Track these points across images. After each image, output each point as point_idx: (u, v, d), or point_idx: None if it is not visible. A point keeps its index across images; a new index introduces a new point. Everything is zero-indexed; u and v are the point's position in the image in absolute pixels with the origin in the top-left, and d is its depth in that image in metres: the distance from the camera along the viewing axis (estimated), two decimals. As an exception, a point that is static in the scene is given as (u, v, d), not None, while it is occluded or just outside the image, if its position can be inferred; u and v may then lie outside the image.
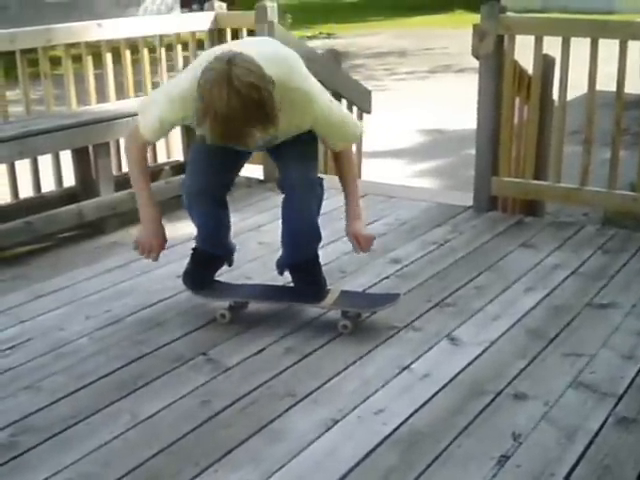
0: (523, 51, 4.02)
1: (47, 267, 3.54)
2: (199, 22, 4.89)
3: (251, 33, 4.68)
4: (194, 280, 3.02)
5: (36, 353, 2.73)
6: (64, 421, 2.31)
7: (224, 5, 4.98)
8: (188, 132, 4.58)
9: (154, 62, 4.61)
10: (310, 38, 16.92)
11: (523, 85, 4.20)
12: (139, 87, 4.57)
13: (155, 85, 4.63)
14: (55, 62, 4.26)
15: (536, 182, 4.14)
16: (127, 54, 4.45)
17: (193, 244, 3.02)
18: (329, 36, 18.69)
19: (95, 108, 4.28)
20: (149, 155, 4.61)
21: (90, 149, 3.99)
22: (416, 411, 2.33)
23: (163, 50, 4.65)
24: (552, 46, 3.86)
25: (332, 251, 3.54)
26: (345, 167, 2.84)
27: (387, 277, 3.32)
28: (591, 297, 3.11)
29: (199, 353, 2.70)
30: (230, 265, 3.08)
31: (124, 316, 3.01)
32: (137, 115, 2.81)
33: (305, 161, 2.79)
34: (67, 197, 4.05)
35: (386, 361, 2.64)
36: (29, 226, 3.71)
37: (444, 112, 9.21)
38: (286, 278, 3.01)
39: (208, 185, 2.82)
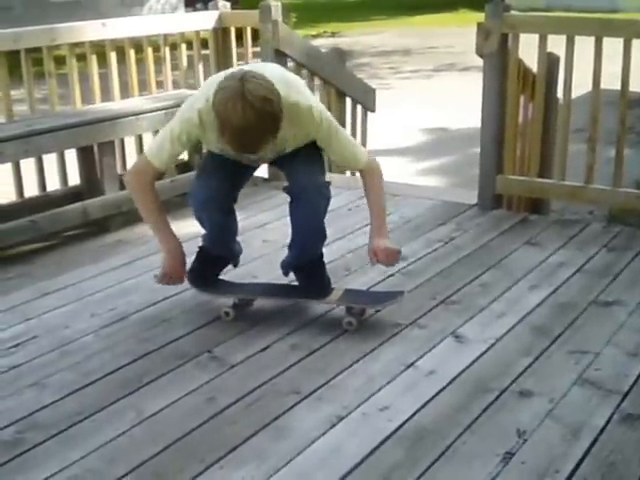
0: (527, 50, 4.01)
1: (52, 265, 3.55)
2: (203, 21, 4.90)
3: (255, 32, 4.69)
4: (199, 278, 3.03)
5: (41, 351, 2.74)
6: (69, 418, 2.31)
7: (228, 4, 4.98)
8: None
9: (158, 61, 4.61)
10: (314, 37, 16.92)
11: (527, 83, 4.19)
12: (143, 86, 4.58)
13: (159, 84, 4.65)
14: (59, 61, 4.27)
15: (541, 180, 4.14)
16: (131, 53, 4.45)
17: (198, 243, 3.02)
18: (333, 35, 18.67)
19: (99, 107, 4.28)
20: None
21: (95, 148, 4.00)
22: (421, 408, 2.34)
23: (167, 49, 4.65)
24: (556, 45, 3.86)
25: (337, 249, 3.55)
26: (368, 187, 2.86)
27: (392, 275, 3.32)
28: (596, 295, 3.11)
29: (204, 350, 2.71)
30: (235, 266, 3.11)
31: (129, 314, 3.01)
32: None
33: (312, 166, 2.82)
34: (72, 196, 4.05)
35: (391, 358, 2.64)
36: (34, 225, 3.71)
37: (449, 110, 9.20)
38: (291, 277, 3.02)
39: (218, 194, 2.83)
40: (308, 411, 2.34)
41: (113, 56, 4.37)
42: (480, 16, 4.10)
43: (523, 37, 3.92)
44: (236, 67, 3.16)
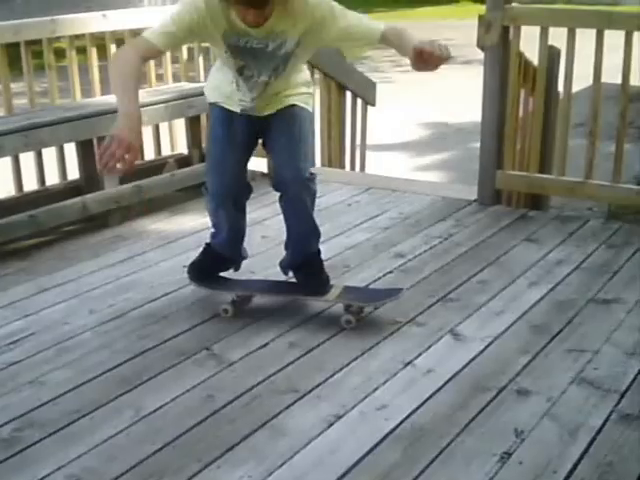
0: (528, 42, 4.00)
1: (51, 261, 3.54)
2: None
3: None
4: (199, 273, 3.04)
5: (40, 347, 2.74)
6: (68, 416, 2.31)
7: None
8: (192, 126, 4.59)
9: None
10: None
11: (528, 77, 4.17)
12: (143, 79, 4.55)
13: (159, 77, 4.63)
14: (59, 54, 4.26)
15: (540, 175, 4.13)
16: (131, 46, 4.43)
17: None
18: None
19: (99, 100, 4.26)
20: (152, 150, 4.63)
21: (94, 142, 3.98)
22: (419, 407, 2.34)
23: (167, 42, 4.62)
24: (558, 37, 3.84)
25: (335, 246, 3.54)
26: (400, 31, 2.64)
27: (390, 272, 3.32)
28: (595, 292, 3.10)
29: (203, 348, 2.71)
30: (237, 270, 3.09)
31: (128, 310, 3.01)
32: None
33: (297, 151, 2.76)
34: (71, 190, 4.04)
35: (389, 356, 2.64)
36: (33, 219, 3.70)
37: (450, 104, 9.18)
38: (290, 275, 3.02)
39: (237, 187, 2.83)
40: (306, 410, 2.34)
41: (113, 48, 4.35)
42: (481, 8, 4.08)
43: (524, 30, 3.90)
44: None
